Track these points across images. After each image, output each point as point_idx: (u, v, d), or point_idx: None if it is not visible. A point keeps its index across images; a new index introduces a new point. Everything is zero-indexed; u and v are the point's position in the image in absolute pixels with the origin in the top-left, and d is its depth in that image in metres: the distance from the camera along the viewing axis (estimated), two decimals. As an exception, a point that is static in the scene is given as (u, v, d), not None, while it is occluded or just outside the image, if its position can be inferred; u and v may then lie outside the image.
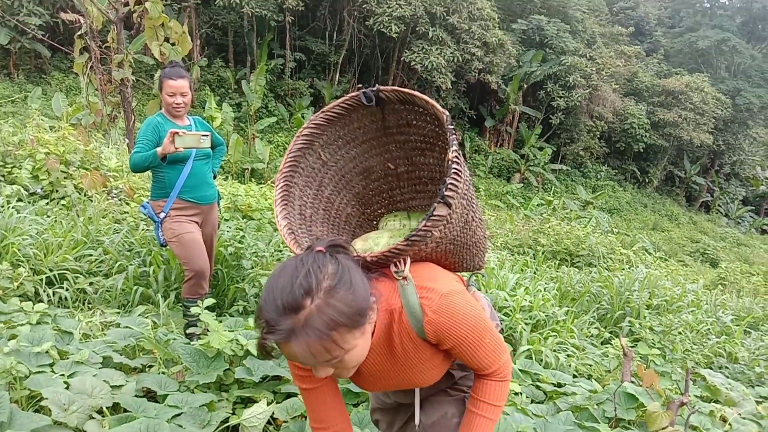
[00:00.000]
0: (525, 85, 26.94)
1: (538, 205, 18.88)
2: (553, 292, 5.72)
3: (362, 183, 1.86)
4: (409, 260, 1.37)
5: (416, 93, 1.54)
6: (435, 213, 1.39)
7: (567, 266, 8.68)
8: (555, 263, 8.64)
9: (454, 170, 1.40)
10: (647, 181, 32.03)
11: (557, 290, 5.92)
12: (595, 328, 5.28)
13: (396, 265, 1.37)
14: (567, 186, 27.92)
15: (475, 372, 1.49)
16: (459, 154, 1.43)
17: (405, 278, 1.34)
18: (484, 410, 1.46)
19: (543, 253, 9.00)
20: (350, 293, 1.18)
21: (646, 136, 29.33)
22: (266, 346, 1.17)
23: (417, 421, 1.65)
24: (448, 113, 1.49)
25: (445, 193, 1.38)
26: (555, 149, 28.47)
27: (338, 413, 1.58)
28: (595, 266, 8.88)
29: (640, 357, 4.35)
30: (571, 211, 18.44)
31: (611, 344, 4.90)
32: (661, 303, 6.09)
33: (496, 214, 16.63)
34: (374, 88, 1.58)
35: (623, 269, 8.08)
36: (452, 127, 1.47)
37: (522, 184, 26.44)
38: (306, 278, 1.15)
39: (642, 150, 30.11)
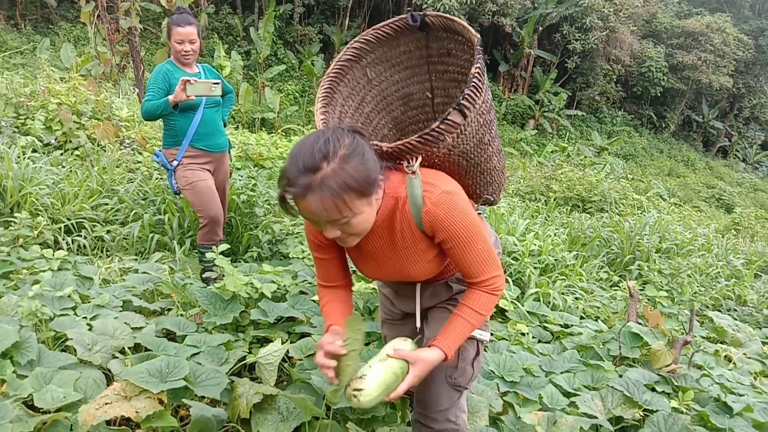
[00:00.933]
0: (540, 28, 26.17)
1: (552, 151, 18.64)
2: (563, 237, 5.75)
3: (401, 108, 1.95)
4: (420, 158, 1.49)
5: (455, 18, 1.64)
6: (449, 117, 1.47)
7: (578, 212, 8.68)
8: (566, 209, 8.64)
9: (474, 83, 1.48)
10: (664, 126, 31.42)
11: (567, 235, 5.95)
12: (605, 272, 5.34)
13: (408, 162, 1.49)
14: (582, 132, 27.50)
15: (467, 279, 1.58)
16: (482, 72, 1.51)
17: (413, 172, 1.47)
18: (466, 313, 1.55)
19: (555, 199, 8.98)
20: (362, 163, 1.33)
21: (663, 79, 28.59)
22: (286, 200, 1.36)
23: (418, 323, 1.78)
24: (480, 37, 1.58)
25: (462, 101, 1.47)
26: (570, 94, 27.90)
27: (343, 275, 1.76)
28: (607, 212, 8.87)
29: (648, 299, 4.41)
30: (585, 157, 18.22)
31: (620, 288, 4.96)
32: (671, 247, 6.11)
33: (509, 161, 16.51)
34: (421, 12, 1.68)
35: (635, 214, 8.06)
36: (481, 48, 1.56)
37: (536, 131, 26.05)
38: (325, 145, 1.31)
39: (659, 94, 29.40)
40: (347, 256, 1.76)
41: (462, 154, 1.57)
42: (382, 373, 1.48)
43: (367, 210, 1.39)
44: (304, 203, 1.33)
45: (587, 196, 9.39)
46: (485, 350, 3.03)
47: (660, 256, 5.78)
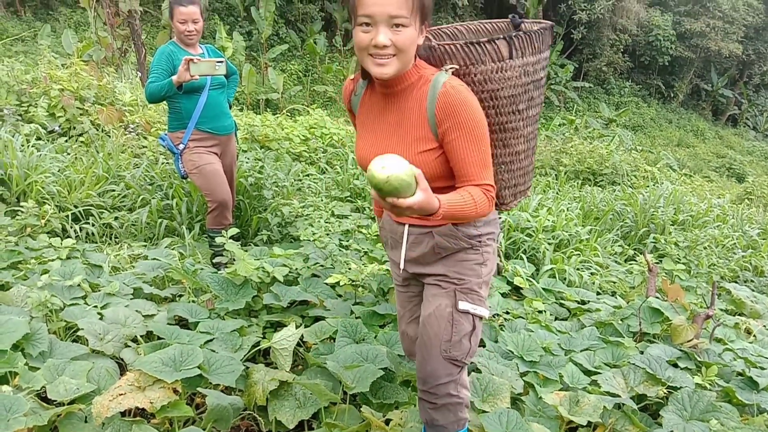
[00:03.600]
0: (545, -1, 25.75)
1: (559, 125, 18.40)
2: (576, 211, 5.67)
3: None
4: (456, 66, 1.60)
5: (546, 23, 1.77)
6: (496, 41, 1.59)
7: (590, 185, 8.57)
8: (578, 183, 8.53)
9: (533, 32, 1.64)
10: (672, 95, 30.95)
11: (580, 209, 5.86)
12: (619, 246, 5.26)
13: (449, 67, 1.61)
14: (589, 104, 27.15)
15: (460, 182, 1.61)
16: (545, 32, 1.69)
17: (447, 70, 1.59)
18: (461, 192, 1.57)
19: (565, 173, 8.87)
20: None
21: (671, 48, 28.08)
22: None
23: (401, 265, 1.83)
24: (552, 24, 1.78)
25: (514, 36, 1.59)
26: (577, 66, 27.50)
27: None
28: (619, 184, 8.76)
29: (665, 272, 4.34)
30: (593, 129, 18.01)
31: (635, 261, 4.89)
32: (686, 219, 6.01)
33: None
34: (520, 19, 1.81)
35: (647, 186, 7.95)
36: (550, 25, 1.75)
37: (543, 104, 25.75)
38: None
39: (667, 63, 28.91)
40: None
41: (493, 100, 1.65)
42: (403, 163, 1.38)
43: (414, 32, 1.50)
44: None
45: (598, 169, 9.27)
46: (491, 325, 2.99)
47: (675, 228, 5.69)
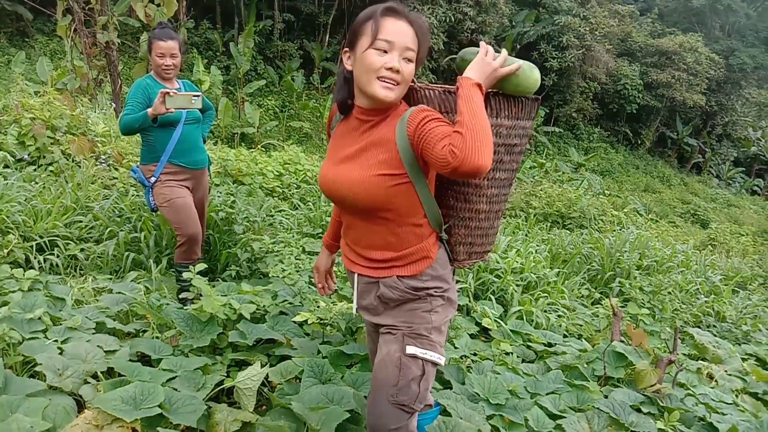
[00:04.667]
0: (518, 46, 26.56)
1: (530, 167, 18.80)
2: (545, 254, 5.75)
3: None
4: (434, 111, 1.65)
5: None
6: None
7: (558, 228, 8.72)
8: (546, 225, 8.68)
9: (507, 97, 1.67)
10: (639, 142, 31.97)
11: (548, 252, 5.96)
12: (586, 288, 5.34)
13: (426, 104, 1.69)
14: (559, 148, 27.84)
15: (441, 165, 1.53)
16: (518, 104, 1.70)
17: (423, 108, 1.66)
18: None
19: (534, 215, 9.02)
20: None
21: (639, 97, 29.15)
22: (410, 15, 1.64)
23: (354, 307, 1.91)
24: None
25: (491, 93, 1.64)
26: (548, 111, 28.28)
27: None
28: (587, 228, 8.93)
29: (630, 317, 4.41)
30: (563, 173, 18.43)
31: (601, 305, 4.96)
32: (651, 264, 6.14)
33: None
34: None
35: (614, 230, 8.13)
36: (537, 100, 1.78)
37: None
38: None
39: (635, 111, 29.95)
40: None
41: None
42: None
43: (413, 69, 1.64)
44: (400, 22, 1.60)
45: (567, 212, 9.45)
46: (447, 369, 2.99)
47: (640, 273, 5.80)
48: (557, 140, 28.50)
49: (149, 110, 3.23)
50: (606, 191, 18.75)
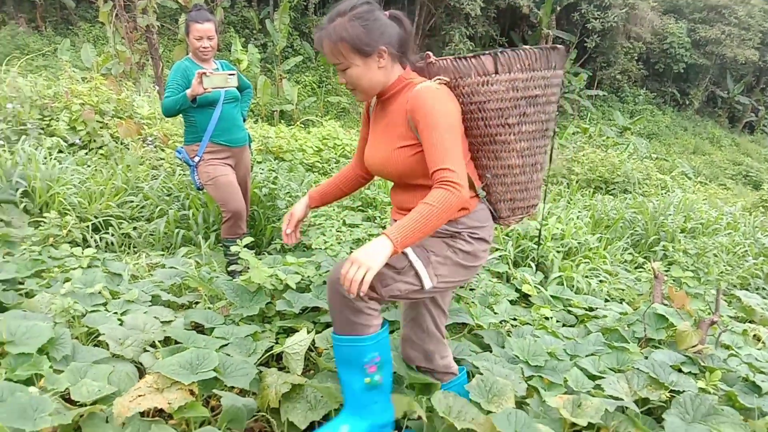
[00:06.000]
0: (558, 8, 25.71)
1: (573, 133, 18.37)
2: (586, 220, 5.70)
3: None
4: (446, 79, 1.75)
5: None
6: (481, 56, 1.72)
7: (601, 194, 8.58)
8: (589, 192, 8.55)
9: (522, 50, 1.72)
10: (688, 103, 30.76)
11: (591, 218, 5.90)
12: (629, 253, 5.29)
13: (439, 78, 1.76)
14: (604, 112, 27.06)
15: (431, 170, 1.66)
16: (536, 52, 1.73)
17: (436, 81, 1.74)
18: (418, 207, 1.60)
19: (577, 181, 8.90)
20: (363, 28, 1.69)
21: (686, 55, 27.95)
22: (315, 40, 1.79)
23: None
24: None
25: (500, 52, 1.71)
26: (591, 74, 27.43)
27: (361, 161, 2.14)
28: (631, 193, 8.76)
29: (673, 280, 4.37)
30: (608, 138, 17.94)
31: (644, 269, 4.91)
32: (696, 226, 6.02)
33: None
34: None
35: (659, 195, 7.95)
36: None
37: (557, 113, 25.68)
38: (345, 5, 1.72)
39: (682, 71, 28.76)
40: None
41: (480, 111, 1.75)
42: None
43: (361, 67, 1.73)
44: (318, 43, 1.75)
45: (610, 178, 9.28)
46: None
47: (685, 236, 5.70)
48: (601, 104, 27.70)
49: (188, 91, 3.34)
50: (653, 155, 18.23)
